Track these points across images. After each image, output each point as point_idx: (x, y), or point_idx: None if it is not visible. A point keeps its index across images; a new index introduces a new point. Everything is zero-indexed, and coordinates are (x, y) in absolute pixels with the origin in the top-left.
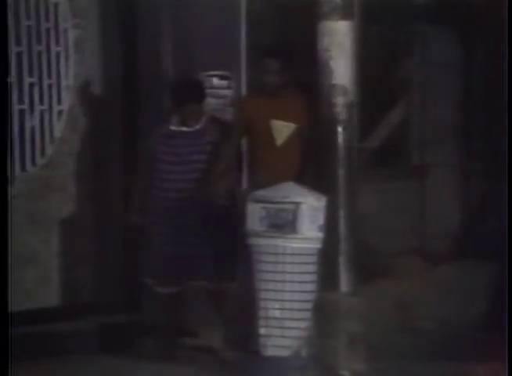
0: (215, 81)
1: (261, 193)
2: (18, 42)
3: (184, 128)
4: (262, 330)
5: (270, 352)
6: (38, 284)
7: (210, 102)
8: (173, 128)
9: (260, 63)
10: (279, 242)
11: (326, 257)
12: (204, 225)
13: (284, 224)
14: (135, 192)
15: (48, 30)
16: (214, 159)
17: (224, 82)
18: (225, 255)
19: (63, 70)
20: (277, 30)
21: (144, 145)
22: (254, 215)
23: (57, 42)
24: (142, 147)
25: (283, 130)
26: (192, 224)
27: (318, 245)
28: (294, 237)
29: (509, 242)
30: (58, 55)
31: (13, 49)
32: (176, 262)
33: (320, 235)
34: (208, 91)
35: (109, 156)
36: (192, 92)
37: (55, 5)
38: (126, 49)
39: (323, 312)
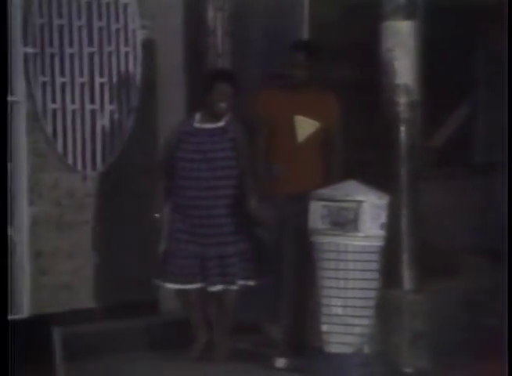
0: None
1: (323, 191)
2: (90, 43)
3: (207, 125)
4: (325, 327)
5: (333, 348)
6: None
7: None
8: (196, 125)
9: (287, 56)
10: (341, 240)
11: (389, 255)
12: (228, 224)
13: (346, 222)
14: (158, 190)
15: (117, 31)
16: (238, 157)
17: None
18: (247, 255)
19: (131, 70)
20: (340, 30)
21: (165, 143)
22: (316, 213)
23: (126, 43)
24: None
25: (305, 127)
26: (215, 222)
27: (380, 243)
28: (356, 235)
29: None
30: (127, 55)
31: (86, 50)
32: (195, 261)
33: (382, 233)
34: None
35: None
36: (225, 73)
37: (125, 7)
38: (189, 49)
39: (386, 310)
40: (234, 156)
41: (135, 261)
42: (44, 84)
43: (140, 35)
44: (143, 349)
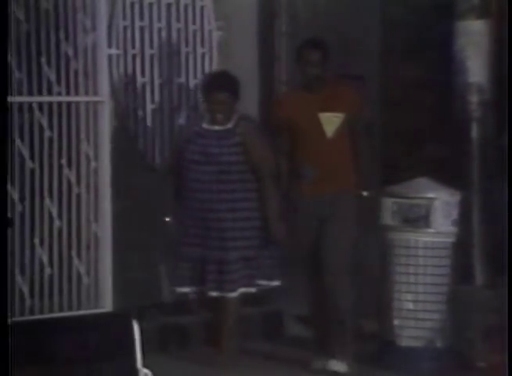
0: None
1: (394, 188)
2: (170, 44)
3: (216, 127)
4: (396, 322)
5: (405, 342)
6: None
7: None
8: (205, 126)
9: (300, 54)
10: (412, 236)
11: (462, 251)
12: (231, 228)
13: (417, 218)
14: (168, 192)
15: (194, 32)
16: (244, 161)
17: (357, 82)
18: (248, 261)
19: (207, 69)
20: (412, 30)
21: (173, 143)
22: (387, 209)
23: (202, 44)
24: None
25: (332, 121)
26: (218, 226)
27: (451, 239)
28: (427, 232)
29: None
30: (203, 56)
31: (165, 51)
32: (196, 264)
33: (454, 229)
34: None
35: None
36: (222, 81)
37: (202, 9)
38: (263, 50)
39: (459, 305)
40: (241, 160)
41: None
42: (126, 84)
43: (216, 36)
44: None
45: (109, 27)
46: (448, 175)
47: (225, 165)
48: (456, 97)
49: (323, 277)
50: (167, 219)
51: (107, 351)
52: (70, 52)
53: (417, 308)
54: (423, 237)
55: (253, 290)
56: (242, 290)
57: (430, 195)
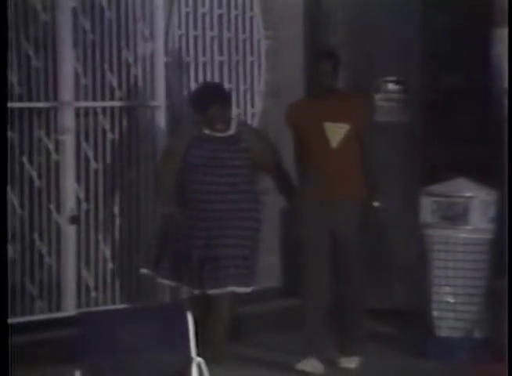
0: (390, 86)
1: (433, 187)
2: (220, 52)
3: (218, 134)
4: (435, 313)
5: (443, 333)
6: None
7: (383, 105)
8: (207, 132)
9: (314, 63)
10: (451, 233)
11: (498, 246)
12: (234, 226)
13: (455, 216)
14: (164, 186)
15: (244, 41)
16: (250, 165)
17: (398, 87)
18: (243, 259)
19: (256, 77)
20: (451, 37)
21: (169, 147)
22: (427, 208)
23: (251, 52)
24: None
25: (337, 131)
26: (223, 224)
27: (489, 236)
28: (465, 229)
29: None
30: (252, 63)
31: (216, 59)
32: (204, 264)
33: (491, 227)
34: (383, 95)
35: None
36: (213, 97)
37: (251, 19)
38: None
39: (496, 298)
40: (248, 164)
41: None
42: (180, 89)
43: (264, 45)
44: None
45: (166, 35)
46: (486, 175)
47: (233, 169)
48: (492, 101)
49: (336, 278)
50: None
51: (163, 340)
52: (131, 59)
53: (456, 300)
54: (461, 234)
55: (248, 290)
56: (235, 288)
57: (468, 194)
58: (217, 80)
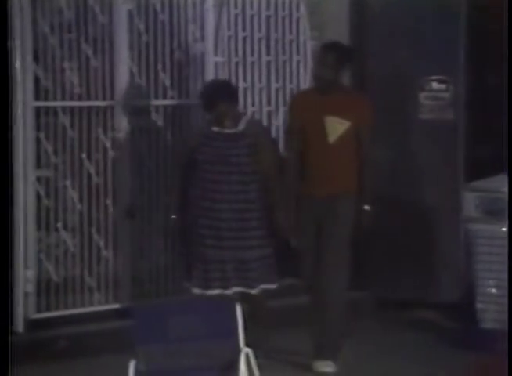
0: (434, 84)
1: (476, 183)
2: (268, 53)
3: (226, 130)
4: (479, 305)
5: (487, 324)
6: None
7: (427, 104)
8: (215, 129)
9: (317, 56)
10: (494, 227)
11: None
12: (250, 228)
13: (498, 211)
14: (175, 192)
15: (291, 42)
16: (260, 161)
17: (442, 86)
18: (265, 258)
19: (302, 77)
20: (494, 33)
21: (181, 145)
22: (470, 203)
23: (298, 52)
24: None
25: (336, 127)
26: (236, 226)
27: None
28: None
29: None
30: (298, 63)
31: (264, 59)
32: (215, 265)
33: None
34: (427, 94)
35: None
36: (221, 93)
37: (298, 20)
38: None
39: None
40: (254, 161)
41: None
42: None
43: (310, 45)
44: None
45: (216, 36)
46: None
47: (238, 166)
48: None
49: (320, 276)
50: (173, 218)
51: (213, 331)
52: (182, 60)
53: (499, 293)
54: (504, 228)
55: (273, 286)
56: (262, 286)
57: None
58: (264, 79)
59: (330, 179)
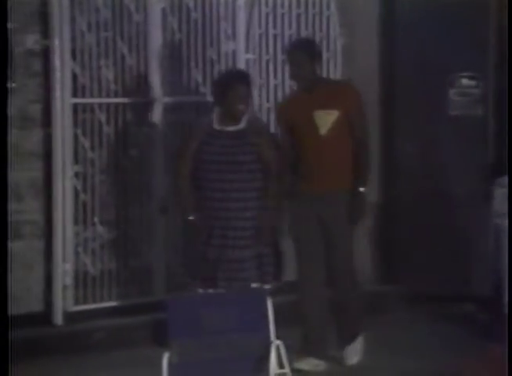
0: (464, 81)
1: (504, 178)
2: None
3: (228, 128)
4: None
5: None
6: None
7: (457, 100)
8: (217, 127)
9: (287, 58)
10: None
11: None
12: (249, 227)
13: None
14: (185, 193)
15: (321, 39)
16: (261, 160)
17: (472, 82)
18: (266, 258)
19: (331, 73)
20: None
21: (184, 144)
22: (499, 197)
23: (328, 49)
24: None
25: (325, 118)
26: (236, 225)
27: None
28: None
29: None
30: (328, 60)
31: None
32: (219, 264)
33: None
34: (457, 90)
35: None
36: (241, 75)
37: (328, 17)
38: (386, 53)
39: None
40: (256, 159)
41: None
42: (260, 86)
43: (340, 42)
44: None
45: (247, 34)
46: None
47: (241, 165)
48: None
49: (329, 275)
50: (191, 219)
51: (245, 323)
52: (214, 57)
53: None
54: None
55: (267, 287)
56: (255, 286)
57: None
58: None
59: (326, 174)
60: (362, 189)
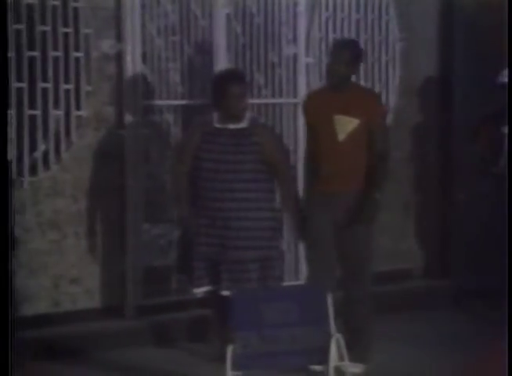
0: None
1: None
2: None
3: (230, 126)
4: None
5: None
6: None
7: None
8: (217, 125)
9: (330, 53)
10: None
11: None
12: (250, 228)
13: None
14: (179, 190)
15: (380, 43)
16: (266, 160)
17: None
18: (267, 261)
19: (390, 77)
20: None
21: (183, 142)
22: None
23: (386, 53)
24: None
25: (345, 125)
26: (237, 225)
27: None
28: None
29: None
30: (387, 63)
31: None
32: (210, 263)
33: None
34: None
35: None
36: (237, 74)
37: (387, 22)
38: (441, 58)
39: None
40: (259, 159)
41: None
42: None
43: (398, 46)
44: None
45: (307, 38)
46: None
47: (243, 164)
48: None
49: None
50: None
51: (305, 317)
52: (276, 60)
53: None
54: None
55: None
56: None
57: None
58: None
59: (340, 178)
60: (378, 195)
